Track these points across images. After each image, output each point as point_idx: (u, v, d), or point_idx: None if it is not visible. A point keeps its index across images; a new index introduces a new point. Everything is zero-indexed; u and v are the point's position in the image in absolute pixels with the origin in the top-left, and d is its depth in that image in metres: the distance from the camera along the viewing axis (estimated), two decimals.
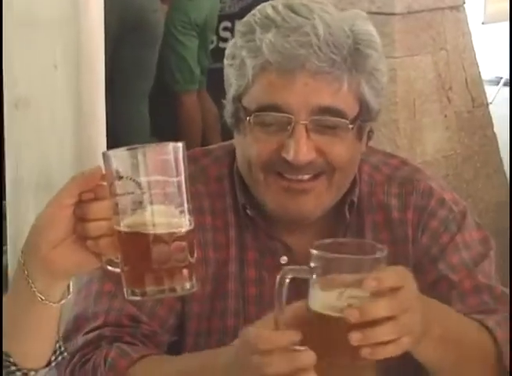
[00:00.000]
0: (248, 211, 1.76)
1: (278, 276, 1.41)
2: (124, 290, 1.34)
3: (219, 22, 5.45)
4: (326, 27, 1.63)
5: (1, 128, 2.24)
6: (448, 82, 4.10)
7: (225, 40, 5.44)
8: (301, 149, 1.64)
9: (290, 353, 1.38)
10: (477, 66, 4.30)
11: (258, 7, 1.71)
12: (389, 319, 1.36)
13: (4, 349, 1.43)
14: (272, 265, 1.77)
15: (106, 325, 1.71)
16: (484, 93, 4.37)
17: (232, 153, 1.82)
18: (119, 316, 1.71)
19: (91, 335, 1.71)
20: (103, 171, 1.32)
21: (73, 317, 1.74)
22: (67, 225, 1.33)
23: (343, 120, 1.67)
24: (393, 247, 1.75)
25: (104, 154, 1.31)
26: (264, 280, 1.78)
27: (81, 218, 1.32)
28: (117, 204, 1.31)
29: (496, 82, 7.43)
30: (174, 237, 1.32)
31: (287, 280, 1.41)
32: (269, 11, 1.68)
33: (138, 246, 1.32)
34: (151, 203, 1.31)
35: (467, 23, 4.29)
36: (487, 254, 1.80)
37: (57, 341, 1.48)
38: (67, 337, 1.70)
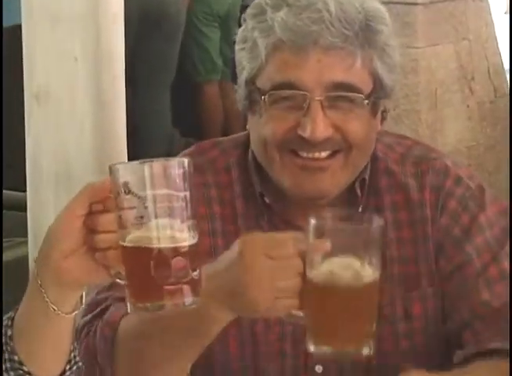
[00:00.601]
0: (266, 199, 1.76)
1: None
2: (127, 303, 1.34)
3: (241, 12, 5.38)
4: (337, 3, 1.64)
5: (22, 119, 2.24)
6: (471, 72, 4.08)
7: None
8: (318, 125, 1.65)
9: (298, 260, 1.40)
10: (500, 56, 4.26)
11: None
12: None
13: (18, 358, 1.44)
14: None
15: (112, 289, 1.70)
16: (507, 83, 4.33)
17: (240, 144, 1.83)
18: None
19: (99, 297, 1.72)
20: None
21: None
22: (78, 236, 1.33)
23: (358, 95, 1.67)
24: (412, 227, 1.77)
25: (110, 167, 1.31)
26: None
27: (90, 229, 1.31)
28: (121, 218, 1.30)
29: None
30: (177, 252, 1.30)
31: None
32: None
33: (140, 261, 1.31)
34: (156, 217, 1.30)
35: (490, 13, 4.25)
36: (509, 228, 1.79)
37: (72, 351, 1.48)
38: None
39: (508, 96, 4.26)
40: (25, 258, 2.26)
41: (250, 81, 1.70)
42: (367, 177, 1.78)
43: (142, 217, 1.29)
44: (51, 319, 1.39)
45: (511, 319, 1.63)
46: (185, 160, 1.32)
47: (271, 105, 1.68)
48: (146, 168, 1.30)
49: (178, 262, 1.30)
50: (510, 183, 3.19)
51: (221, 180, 1.80)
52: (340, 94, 1.67)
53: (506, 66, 4.47)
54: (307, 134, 1.65)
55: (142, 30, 4.64)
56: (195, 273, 1.32)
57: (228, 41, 5.36)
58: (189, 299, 1.32)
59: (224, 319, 1.53)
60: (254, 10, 1.73)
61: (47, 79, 2.21)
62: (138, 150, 4.65)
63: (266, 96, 1.67)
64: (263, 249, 1.43)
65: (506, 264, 1.75)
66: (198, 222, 1.67)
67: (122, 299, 1.65)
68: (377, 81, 1.70)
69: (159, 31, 4.84)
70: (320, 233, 1.38)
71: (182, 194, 1.31)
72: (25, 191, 2.27)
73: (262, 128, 1.70)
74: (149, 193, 1.29)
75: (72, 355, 1.48)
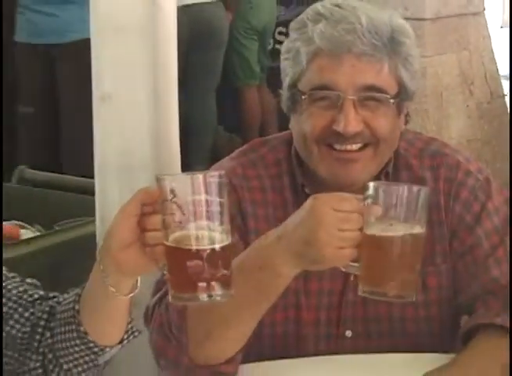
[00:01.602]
0: (306, 190, 1.71)
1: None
2: (169, 294, 1.31)
3: (275, 27, 5.44)
4: (368, 17, 1.61)
5: (89, 119, 2.20)
6: (471, 78, 4.07)
7: (281, 42, 5.39)
8: (350, 121, 1.61)
9: (359, 216, 1.39)
10: (495, 64, 4.24)
11: (309, 8, 1.70)
12: None
13: (83, 329, 1.45)
14: None
15: None
16: (501, 87, 4.31)
17: (286, 142, 1.78)
18: None
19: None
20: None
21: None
22: (132, 233, 1.32)
23: (385, 95, 1.63)
24: (429, 215, 1.67)
25: (157, 177, 1.29)
26: None
27: (142, 228, 1.31)
28: (165, 220, 1.27)
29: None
30: (210, 252, 1.27)
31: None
32: (319, 8, 1.66)
33: (179, 259, 1.28)
34: (195, 220, 1.26)
35: (487, 27, 4.24)
36: None
37: (129, 323, 1.48)
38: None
39: (502, 98, 4.25)
40: (93, 234, 2.23)
41: (293, 85, 1.68)
42: (390, 170, 1.74)
43: (182, 220, 1.26)
44: (110, 299, 1.39)
45: (511, 315, 1.56)
46: (222, 173, 1.29)
47: (310, 104, 1.64)
48: (189, 178, 1.27)
49: (212, 260, 1.27)
50: (510, 176, 3.20)
51: (272, 173, 1.75)
52: (370, 95, 1.63)
53: (502, 72, 4.43)
54: (341, 128, 1.61)
55: (193, 42, 4.64)
56: (226, 271, 1.28)
57: (264, 51, 5.43)
58: (219, 293, 1.28)
59: (289, 275, 1.49)
60: (296, 24, 1.70)
61: (111, 84, 2.16)
62: (189, 143, 4.69)
63: (306, 96, 1.64)
64: (331, 204, 1.41)
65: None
66: (254, 208, 1.71)
67: None
68: (401, 85, 1.67)
69: (206, 43, 4.86)
70: (376, 195, 1.38)
71: (218, 200, 1.27)
72: (93, 178, 2.24)
73: (302, 124, 1.66)
74: (189, 199, 1.25)
75: (129, 326, 1.48)
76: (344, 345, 1.71)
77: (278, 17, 5.37)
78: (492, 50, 4.18)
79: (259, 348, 1.67)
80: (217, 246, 1.27)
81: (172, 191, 1.26)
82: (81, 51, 3.59)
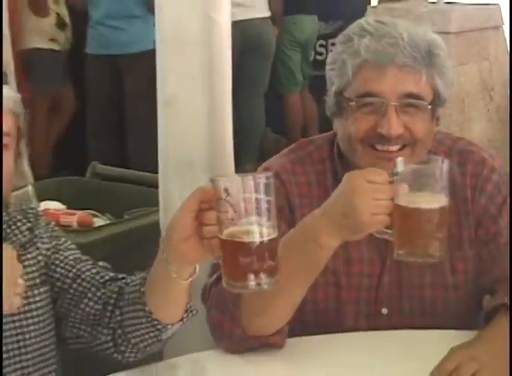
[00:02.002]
0: None
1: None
2: (223, 280, 1.34)
3: (316, 40, 5.43)
4: (408, 33, 1.61)
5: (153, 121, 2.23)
6: (491, 85, 4.02)
7: (321, 54, 5.42)
8: (393, 125, 1.61)
9: (390, 187, 1.43)
10: None
11: (353, 24, 1.70)
12: None
13: (148, 309, 1.47)
14: None
15: None
16: None
17: (329, 141, 1.78)
18: None
19: None
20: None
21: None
22: (191, 227, 1.34)
23: (423, 102, 1.63)
24: (457, 206, 1.71)
25: (212, 179, 1.31)
26: None
27: (200, 222, 1.33)
28: (219, 217, 1.29)
29: None
30: (259, 245, 1.28)
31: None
32: (364, 24, 1.66)
33: (231, 251, 1.30)
34: (246, 216, 1.28)
35: (505, 40, 4.20)
36: None
37: (188, 303, 1.49)
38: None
39: None
40: (157, 223, 2.25)
41: (339, 93, 1.68)
42: None
43: (234, 217, 1.28)
44: (172, 283, 1.41)
45: (511, 312, 1.55)
46: (269, 174, 1.30)
47: (356, 109, 1.64)
48: (240, 179, 1.28)
49: (260, 252, 1.29)
50: (510, 176, 3.14)
51: (317, 169, 1.76)
52: (409, 101, 1.63)
53: None
54: (384, 131, 1.62)
55: (244, 53, 4.63)
56: (273, 262, 1.30)
57: (306, 61, 5.40)
58: (266, 281, 1.30)
59: (331, 246, 1.51)
60: (342, 38, 1.69)
61: (174, 91, 2.19)
62: (240, 143, 4.71)
63: (353, 103, 1.64)
64: (365, 177, 1.44)
65: None
66: (301, 200, 1.71)
67: None
68: (436, 93, 1.67)
69: (256, 54, 4.87)
70: (404, 172, 1.42)
71: (266, 198, 1.28)
72: (157, 173, 2.27)
73: (348, 127, 1.66)
74: (241, 197, 1.27)
75: (188, 306, 1.49)
76: (380, 322, 1.71)
77: (318, 31, 5.34)
78: (509, 60, 4.14)
79: (303, 325, 1.67)
80: (265, 239, 1.28)
81: (226, 190, 1.27)
82: (145, 60, 3.66)
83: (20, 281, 1.35)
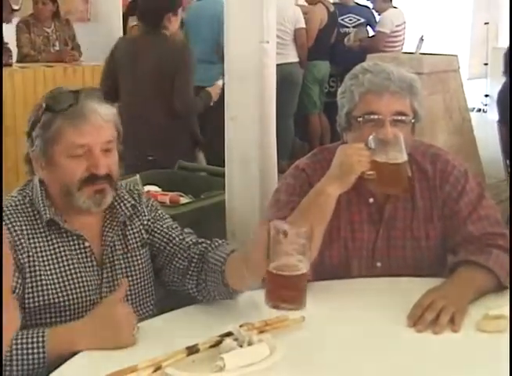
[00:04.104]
0: None
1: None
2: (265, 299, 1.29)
3: (329, 77, 5.33)
4: (396, 71, 1.60)
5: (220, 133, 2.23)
6: (451, 109, 3.99)
7: (332, 87, 5.36)
8: (388, 133, 1.58)
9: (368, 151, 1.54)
10: (466, 101, 4.16)
11: (357, 66, 1.67)
12: None
13: (225, 281, 1.39)
14: (364, 203, 1.70)
15: None
16: (469, 116, 4.22)
17: None
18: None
19: None
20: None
21: None
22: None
23: (408, 117, 1.61)
24: (429, 192, 1.68)
25: (271, 222, 1.25)
26: (362, 212, 1.69)
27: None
28: (271, 253, 1.24)
29: (478, 109, 6.93)
30: (293, 277, 1.25)
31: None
32: (365, 66, 1.65)
33: (274, 281, 1.26)
34: (287, 254, 1.23)
35: (461, 78, 4.16)
36: (482, 192, 1.69)
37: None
38: None
39: (469, 122, 4.14)
40: (223, 201, 2.25)
41: (349, 113, 1.64)
42: None
43: (281, 254, 1.23)
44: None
45: (511, 315, 1.44)
46: (308, 230, 1.27)
47: (362, 124, 1.61)
48: (292, 228, 1.24)
49: (292, 283, 1.25)
50: (510, 176, 3.11)
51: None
52: (399, 118, 1.60)
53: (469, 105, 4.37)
54: (382, 137, 1.58)
55: (281, 86, 4.54)
56: (296, 292, 1.27)
57: (322, 92, 5.36)
58: (295, 306, 1.28)
59: (334, 193, 1.54)
60: (350, 76, 1.66)
61: (236, 110, 2.20)
62: (279, 147, 4.67)
63: (361, 119, 1.61)
64: (352, 145, 1.58)
65: (482, 213, 1.65)
66: None
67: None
68: (415, 112, 1.63)
69: (289, 87, 4.80)
70: (375, 143, 1.55)
71: (303, 242, 1.25)
72: (224, 167, 2.27)
73: (357, 139, 1.62)
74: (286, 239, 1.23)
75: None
76: (376, 272, 1.68)
77: (331, 71, 5.30)
78: (463, 92, 4.13)
79: (322, 274, 1.63)
80: (299, 272, 1.24)
81: (280, 231, 1.22)
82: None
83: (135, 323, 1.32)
